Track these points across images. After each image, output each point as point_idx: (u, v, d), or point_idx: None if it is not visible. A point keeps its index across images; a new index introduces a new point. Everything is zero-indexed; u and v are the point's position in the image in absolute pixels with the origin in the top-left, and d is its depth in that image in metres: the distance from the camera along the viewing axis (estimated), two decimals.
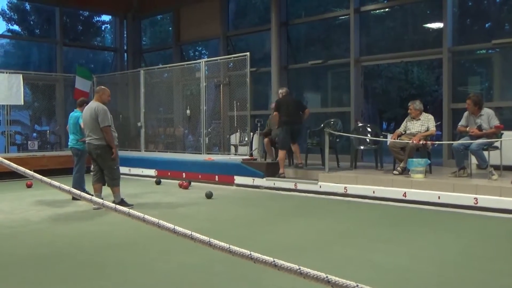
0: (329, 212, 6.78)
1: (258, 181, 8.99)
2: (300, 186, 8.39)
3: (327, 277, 1.86)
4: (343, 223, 5.99)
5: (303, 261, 3.98)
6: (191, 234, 2.21)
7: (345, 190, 7.82)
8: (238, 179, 9.32)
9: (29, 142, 12.69)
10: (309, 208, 7.16)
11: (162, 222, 2.24)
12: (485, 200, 6.48)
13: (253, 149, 10.02)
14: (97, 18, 16.53)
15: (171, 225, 2.23)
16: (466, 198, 6.63)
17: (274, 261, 1.96)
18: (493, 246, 4.78)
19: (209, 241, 2.15)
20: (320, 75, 11.77)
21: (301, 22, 12.13)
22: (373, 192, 7.51)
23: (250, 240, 5.02)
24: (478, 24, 10.11)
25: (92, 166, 7.05)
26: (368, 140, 8.97)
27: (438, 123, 8.65)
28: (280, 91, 9.31)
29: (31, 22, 15.34)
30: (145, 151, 12.22)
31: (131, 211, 2.18)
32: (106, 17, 16.40)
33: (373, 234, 5.34)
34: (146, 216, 2.25)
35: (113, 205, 2.32)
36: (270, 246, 4.73)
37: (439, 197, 6.85)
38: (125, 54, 15.77)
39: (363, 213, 6.66)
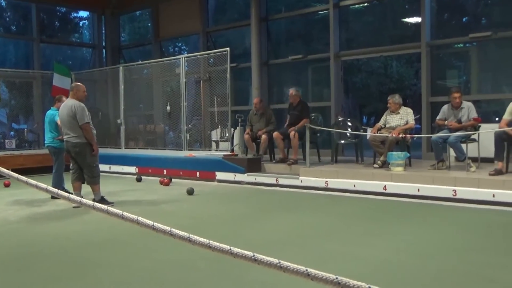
0: (310, 207, 6.81)
1: (239, 177, 8.98)
2: (282, 181, 8.41)
3: (306, 270, 1.86)
4: (325, 218, 6.02)
5: (286, 256, 3.99)
6: (170, 230, 2.20)
7: (326, 184, 7.85)
8: (220, 175, 9.31)
9: (6, 140, 12.46)
10: (290, 203, 7.18)
11: (141, 219, 2.23)
12: (464, 192, 6.57)
13: (234, 144, 10.01)
14: (75, 14, 16.28)
15: (150, 222, 2.22)
16: (445, 190, 6.72)
17: (253, 255, 1.96)
18: (473, 237, 4.85)
19: (189, 237, 2.14)
20: (300, 70, 11.79)
21: (281, 17, 12.14)
22: (354, 186, 7.56)
23: (232, 236, 5.01)
24: (455, 18, 10.23)
25: (71, 165, 6.96)
26: (348, 134, 9.02)
27: (417, 116, 8.75)
28: (296, 91, 9.24)
29: (7, 19, 15.04)
30: (125, 148, 12.11)
31: (110, 208, 2.16)
32: (84, 13, 16.18)
33: (355, 227, 5.38)
34: (125, 213, 2.23)
35: (91, 202, 2.30)
36: (253, 241, 4.73)
37: (418, 190, 6.93)
38: (104, 51, 15.59)
39: (345, 207, 6.71)
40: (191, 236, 2.12)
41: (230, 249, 2.02)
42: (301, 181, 8.15)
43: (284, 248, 4.48)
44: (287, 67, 11.91)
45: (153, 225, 2.23)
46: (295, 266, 1.89)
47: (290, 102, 9.33)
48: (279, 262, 1.91)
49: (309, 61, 11.49)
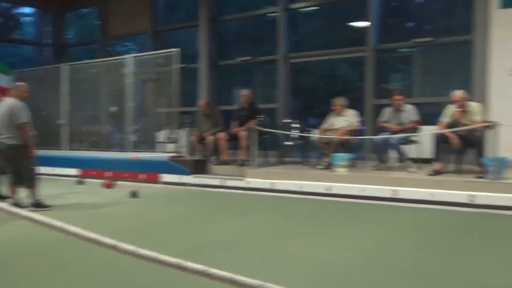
0: (257, 208, 6.82)
1: (185, 179, 8.89)
2: (228, 183, 8.38)
3: (233, 277, 1.85)
4: (271, 219, 6.03)
5: (231, 259, 4.01)
6: (97, 238, 2.13)
7: (273, 186, 7.89)
8: (165, 177, 9.18)
9: None
10: (236, 204, 7.17)
11: (66, 225, 2.15)
12: (404, 192, 6.77)
13: (181, 146, 9.90)
14: (18, 11, 15.70)
15: (76, 229, 2.15)
16: (386, 190, 6.89)
17: (179, 262, 1.93)
18: (413, 235, 4.98)
19: (115, 244, 2.08)
20: (249, 71, 11.82)
21: (231, 18, 12.13)
22: (300, 187, 7.63)
23: (174, 238, 4.94)
24: (400, 23, 10.51)
25: (6, 167, 6.66)
26: (294, 136, 9.10)
27: (362, 118, 8.92)
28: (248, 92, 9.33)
29: None
30: (69, 149, 11.76)
31: (32, 214, 2.08)
32: (28, 10, 15.61)
33: (301, 228, 5.41)
34: (49, 220, 2.15)
35: (13, 208, 2.20)
36: (195, 244, 4.67)
37: (361, 190, 7.08)
38: (49, 49, 15.11)
39: (291, 208, 6.75)
40: (118, 243, 2.07)
41: (157, 256, 1.98)
42: (248, 183, 8.15)
43: (228, 250, 4.44)
44: (236, 68, 11.91)
45: (79, 232, 2.16)
46: (221, 273, 1.87)
47: (241, 103, 9.35)
48: (206, 269, 1.89)
49: (258, 63, 11.54)
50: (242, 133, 8.81)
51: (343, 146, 8.01)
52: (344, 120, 8.21)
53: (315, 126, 8.84)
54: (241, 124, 9.05)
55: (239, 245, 4.66)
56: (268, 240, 4.87)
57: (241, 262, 3.92)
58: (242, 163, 8.75)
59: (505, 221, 5.71)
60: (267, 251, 4.44)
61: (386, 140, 7.68)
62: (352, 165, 7.92)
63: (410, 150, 7.75)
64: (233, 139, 9.13)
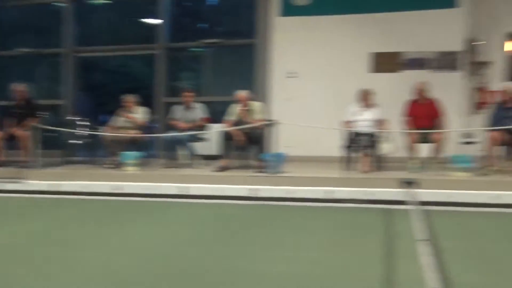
0: (34, 213, 6.28)
1: None
2: (4, 186, 7.54)
3: None
4: (48, 223, 5.61)
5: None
6: None
7: (57, 187, 7.34)
8: None
9: None
10: (11, 210, 6.49)
11: None
12: (193, 188, 6.90)
13: None
14: None
15: None
16: (176, 187, 6.94)
17: None
18: (195, 231, 5.07)
19: None
20: (31, 64, 10.86)
21: (10, 5, 10.99)
22: (86, 187, 7.24)
23: None
24: (192, 23, 10.76)
25: None
26: (82, 134, 8.63)
27: (153, 116, 8.88)
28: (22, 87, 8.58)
29: None
30: None
31: None
32: None
33: (81, 231, 5.12)
34: None
35: None
36: None
37: (151, 188, 7.02)
38: None
39: (73, 210, 6.38)
40: None
41: None
42: (28, 185, 7.45)
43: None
44: (16, 60, 10.84)
45: None
46: None
47: (16, 99, 8.53)
48: None
49: (41, 56, 10.70)
50: (20, 132, 8.04)
51: (133, 144, 7.86)
52: (134, 117, 8.06)
53: (105, 124, 8.51)
54: (18, 122, 8.25)
55: (11, 253, 4.20)
56: (42, 247, 4.49)
57: (16, 272, 3.54)
58: (22, 164, 7.97)
59: (282, 212, 6.21)
60: (45, 258, 4.10)
61: (175, 137, 7.76)
62: (142, 163, 7.81)
63: (199, 147, 7.96)
64: (11, 139, 8.27)
